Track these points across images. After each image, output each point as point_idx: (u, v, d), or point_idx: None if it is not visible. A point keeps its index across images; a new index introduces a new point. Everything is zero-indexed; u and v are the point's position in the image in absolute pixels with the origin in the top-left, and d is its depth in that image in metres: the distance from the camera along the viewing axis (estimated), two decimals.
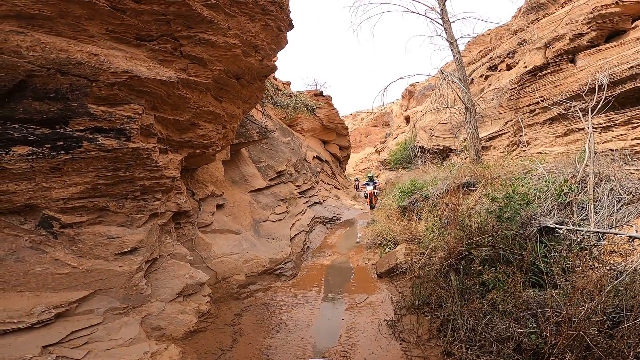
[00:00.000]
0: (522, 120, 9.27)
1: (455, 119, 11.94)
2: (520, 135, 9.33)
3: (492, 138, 10.96)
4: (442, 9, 9.33)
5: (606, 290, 2.44)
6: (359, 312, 4.25)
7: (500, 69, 12.54)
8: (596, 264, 3.05)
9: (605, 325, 2.36)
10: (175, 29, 3.75)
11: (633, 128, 6.50)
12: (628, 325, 2.23)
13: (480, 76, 13.57)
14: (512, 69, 11.80)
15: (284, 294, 5.05)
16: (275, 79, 15.12)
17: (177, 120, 4.24)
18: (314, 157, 15.36)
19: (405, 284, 4.65)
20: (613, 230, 3.31)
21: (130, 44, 3.53)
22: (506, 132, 10.38)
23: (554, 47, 9.18)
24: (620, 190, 3.83)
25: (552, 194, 4.20)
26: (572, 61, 8.53)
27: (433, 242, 4.52)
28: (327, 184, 15.50)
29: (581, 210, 3.91)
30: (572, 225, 3.59)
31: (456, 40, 9.30)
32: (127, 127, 3.26)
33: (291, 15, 5.31)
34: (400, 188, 8.52)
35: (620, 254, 3.11)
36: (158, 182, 3.77)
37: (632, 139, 6.39)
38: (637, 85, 6.41)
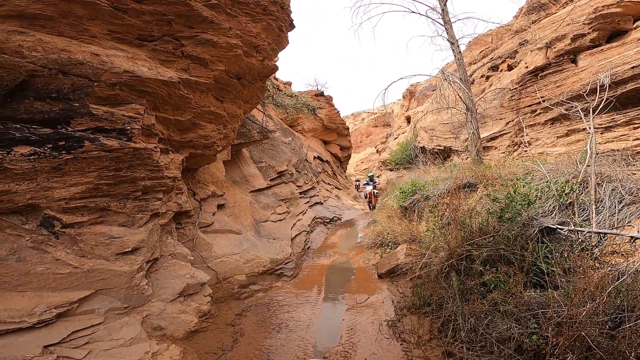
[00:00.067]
0: (523, 121, 9.26)
1: (456, 119, 11.92)
2: (522, 136, 9.32)
3: (493, 138, 10.94)
4: (443, 9, 9.33)
5: (607, 291, 2.44)
6: (360, 313, 4.25)
7: (502, 69, 12.53)
8: (597, 265, 3.04)
9: (607, 326, 2.36)
10: (177, 29, 3.76)
11: (634, 128, 6.49)
12: (629, 325, 2.23)
13: (482, 76, 13.56)
14: (513, 69, 11.79)
15: (285, 294, 5.05)
16: (276, 79, 15.12)
17: (178, 121, 4.25)
18: (314, 157, 15.37)
19: (406, 285, 4.64)
20: (614, 231, 3.30)
21: (131, 44, 3.54)
22: (507, 133, 10.36)
23: (556, 47, 9.17)
24: (622, 191, 3.82)
25: (554, 195, 4.19)
26: (574, 61, 8.52)
27: (434, 243, 4.51)
28: (328, 184, 15.50)
29: (582, 210, 3.91)
30: (574, 225, 3.59)
31: (457, 40, 9.30)
32: (129, 127, 3.27)
33: (292, 16, 5.31)
34: (401, 188, 8.51)
35: (622, 254, 3.11)
36: (159, 182, 3.77)
37: (633, 139, 6.38)
38: (639, 85, 6.40)
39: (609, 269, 2.81)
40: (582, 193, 4.08)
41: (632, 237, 3.08)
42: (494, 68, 13.03)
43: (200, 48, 4.03)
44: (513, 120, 10.00)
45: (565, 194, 4.10)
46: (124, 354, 2.98)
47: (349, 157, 21.51)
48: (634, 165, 4.94)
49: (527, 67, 10.41)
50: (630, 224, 3.42)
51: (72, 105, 2.95)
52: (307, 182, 11.67)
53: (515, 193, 4.20)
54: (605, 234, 3.36)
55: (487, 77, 13.24)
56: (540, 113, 8.95)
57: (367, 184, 12.74)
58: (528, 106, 9.37)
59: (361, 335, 3.71)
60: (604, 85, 6.65)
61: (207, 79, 4.29)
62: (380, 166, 25.85)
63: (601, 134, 6.92)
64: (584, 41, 8.29)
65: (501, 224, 3.79)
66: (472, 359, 2.75)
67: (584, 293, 2.46)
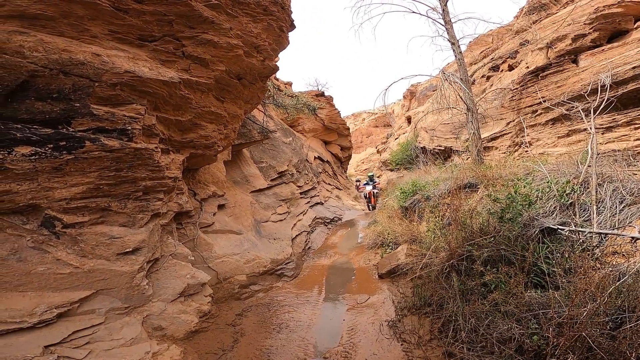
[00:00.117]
0: (524, 121, 9.25)
1: (457, 120, 11.92)
2: (522, 136, 9.31)
3: (494, 138, 10.93)
4: (443, 10, 9.32)
5: (608, 292, 2.43)
6: (360, 313, 4.25)
7: (502, 70, 12.52)
8: (598, 265, 3.04)
9: (608, 327, 2.35)
10: (177, 30, 3.76)
11: (635, 129, 6.48)
12: (630, 326, 2.23)
13: (482, 76, 13.55)
14: (514, 69, 11.78)
15: (285, 294, 5.05)
16: (277, 80, 15.14)
17: (179, 121, 4.25)
18: (315, 158, 15.37)
19: (407, 285, 4.64)
20: (615, 231, 3.30)
21: (132, 45, 3.54)
22: (508, 133, 10.35)
23: (556, 47, 9.16)
24: (623, 191, 3.82)
25: (555, 195, 4.19)
26: (575, 61, 8.51)
27: (434, 243, 4.51)
28: (329, 184, 15.51)
29: (583, 211, 3.90)
30: (575, 226, 3.58)
31: (458, 40, 9.29)
32: (130, 128, 3.27)
33: (293, 16, 5.31)
34: (401, 188, 8.51)
35: (623, 255, 3.10)
36: (160, 182, 3.77)
37: (634, 140, 6.37)
38: None
39: (610, 269, 2.80)
40: (583, 193, 4.08)
41: (633, 237, 3.07)
42: (495, 68, 13.02)
43: (201, 48, 4.04)
44: (514, 121, 9.99)
45: (566, 195, 4.10)
46: (124, 354, 2.98)
47: (349, 157, 21.52)
48: (635, 165, 4.93)
49: (527, 67, 10.40)
50: (631, 224, 3.41)
51: (73, 106, 2.96)
52: (307, 182, 11.67)
53: (516, 193, 4.20)
54: (606, 234, 3.36)
55: (488, 77, 13.23)
56: (541, 113, 8.94)
57: (367, 183, 12.67)
58: (529, 106, 9.36)
59: (362, 336, 3.70)
60: (605, 85, 6.64)
61: (207, 79, 4.29)
62: (381, 166, 25.84)
63: (602, 134, 6.91)
64: (584, 41, 8.28)
65: (502, 224, 3.78)
66: None
67: (584, 293, 2.46)
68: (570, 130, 8.03)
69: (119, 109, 3.25)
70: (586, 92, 7.21)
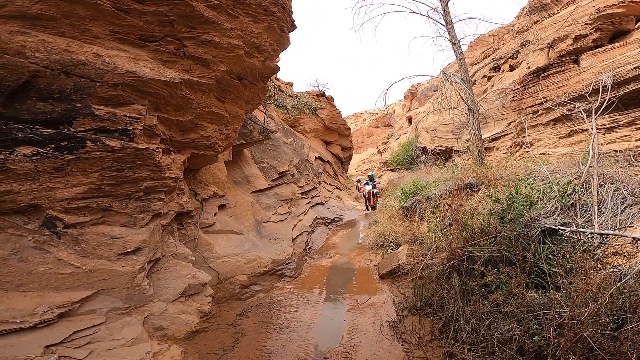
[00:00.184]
0: (525, 121, 9.25)
1: (458, 120, 11.91)
2: (524, 136, 9.30)
3: (495, 139, 10.93)
4: (444, 10, 9.32)
5: (609, 292, 2.43)
6: (361, 313, 4.24)
7: (503, 70, 12.50)
8: (599, 266, 3.03)
9: (609, 327, 2.35)
10: (179, 30, 3.77)
11: (637, 129, 6.47)
12: (631, 326, 2.22)
13: (483, 77, 13.54)
14: (515, 69, 11.77)
15: (286, 294, 5.05)
16: (278, 80, 15.15)
17: (180, 121, 4.25)
18: (316, 158, 15.37)
19: (407, 285, 4.63)
20: (617, 232, 3.29)
21: (133, 45, 3.55)
22: (509, 133, 10.35)
23: (558, 47, 9.15)
24: (624, 192, 3.81)
25: (556, 195, 4.18)
26: (576, 62, 8.50)
27: (435, 244, 4.50)
28: (329, 184, 15.51)
29: (585, 211, 3.89)
30: (576, 226, 3.58)
31: (459, 40, 9.29)
32: (131, 128, 3.28)
33: (293, 16, 5.31)
34: (402, 189, 8.50)
35: (624, 255, 3.09)
36: (161, 182, 3.78)
37: (636, 140, 6.36)
38: None
39: (611, 270, 2.80)
40: (584, 194, 4.07)
41: (634, 238, 3.07)
42: (496, 68, 13.00)
43: (202, 49, 4.04)
44: (515, 121, 9.99)
45: (568, 195, 4.09)
46: (125, 354, 2.99)
47: (350, 157, 21.53)
48: (636, 166, 4.92)
49: (529, 67, 10.39)
50: (632, 225, 3.40)
51: (74, 106, 2.96)
52: (308, 182, 11.67)
53: (517, 194, 4.19)
54: (607, 235, 3.35)
55: (489, 78, 13.21)
56: (542, 113, 8.93)
57: (367, 183, 12.56)
58: (530, 107, 9.35)
59: (362, 336, 3.70)
60: (606, 85, 6.63)
61: (208, 79, 4.30)
62: (382, 167, 25.85)
63: (603, 134, 6.90)
64: (586, 41, 8.27)
65: (503, 224, 3.78)
66: None
67: (586, 294, 2.45)
68: (571, 131, 8.02)
69: (120, 109, 3.26)
70: (587, 92, 7.20)
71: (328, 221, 10.62)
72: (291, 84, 17.10)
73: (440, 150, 14.90)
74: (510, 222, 3.75)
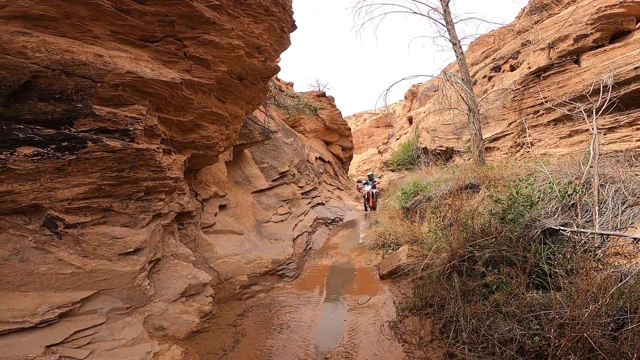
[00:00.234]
0: (525, 122, 9.24)
1: (459, 120, 11.91)
2: (524, 137, 9.30)
3: (495, 139, 10.93)
4: (445, 10, 9.32)
5: (610, 292, 2.43)
6: (362, 313, 4.24)
7: (504, 70, 12.50)
8: (600, 266, 3.03)
9: (609, 327, 2.35)
10: (179, 30, 3.77)
11: (638, 129, 6.47)
12: (632, 327, 2.22)
13: (484, 77, 13.54)
14: (515, 69, 11.77)
15: (287, 294, 5.05)
16: (278, 80, 15.15)
17: (180, 121, 4.26)
18: (316, 158, 15.38)
19: (408, 286, 4.63)
20: (617, 232, 3.29)
21: (134, 45, 3.55)
22: (510, 133, 10.34)
23: (558, 47, 9.15)
24: (625, 192, 3.81)
25: (556, 196, 4.18)
26: (577, 62, 8.50)
27: (436, 244, 4.50)
28: (330, 184, 15.51)
29: (585, 212, 3.89)
30: (576, 227, 3.58)
31: (459, 41, 9.29)
32: (131, 128, 3.28)
33: (294, 16, 5.32)
34: (403, 189, 8.50)
35: (625, 256, 3.09)
36: (162, 182, 3.78)
37: (636, 140, 6.36)
38: None
39: (612, 270, 2.80)
40: (585, 194, 4.07)
41: (635, 238, 3.06)
42: (497, 69, 13.01)
43: (203, 49, 4.05)
44: (516, 121, 9.98)
45: (568, 195, 4.09)
46: (125, 354, 2.99)
47: (350, 157, 21.53)
48: (637, 166, 4.92)
49: (529, 67, 10.39)
50: (633, 225, 3.40)
51: (75, 106, 2.97)
52: (308, 182, 11.67)
53: (517, 194, 4.19)
54: (608, 235, 3.35)
55: (490, 78, 13.21)
56: (543, 114, 8.93)
57: (366, 183, 12.43)
58: (531, 107, 9.35)
59: (363, 336, 3.70)
60: (607, 85, 6.63)
61: (209, 79, 4.30)
62: (382, 167, 25.86)
63: (604, 134, 6.90)
64: (586, 42, 8.27)
65: (503, 225, 3.78)
66: None
67: (586, 294, 2.45)
68: (572, 131, 8.02)
69: (121, 109, 3.26)
70: (588, 92, 7.20)
71: (328, 221, 10.62)
72: (292, 84, 17.11)
73: (440, 150, 14.90)
74: (511, 223, 3.75)
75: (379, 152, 30.98)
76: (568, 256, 3.22)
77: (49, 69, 2.79)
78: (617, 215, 3.61)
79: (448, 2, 9.36)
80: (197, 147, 4.78)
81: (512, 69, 12.02)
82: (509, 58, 12.33)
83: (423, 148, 16.41)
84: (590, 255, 3.14)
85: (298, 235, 7.85)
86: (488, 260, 3.50)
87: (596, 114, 5.82)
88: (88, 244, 3.28)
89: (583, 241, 3.40)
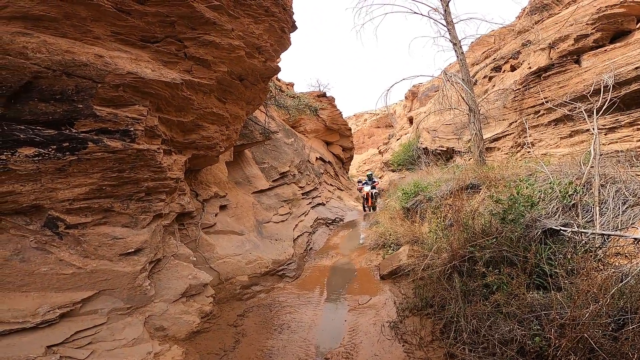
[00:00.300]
0: (526, 122, 9.23)
1: (459, 120, 11.89)
2: (525, 137, 9.29)
3: (496, 139, 10.92)
4: (445, 10, 9.32)
5: (611, 293, 2.43)
6: (362, 314, 4.24)
7: (504, 70, 12.50)
8: (601, 266, 3.02)
9: (610, 328, 2.35)
10: (180, 31, 3.78)
11: (638, 129, 6.46)
12: (633, 327, 2.22)
13: (484, 77, 13.53)
14: (516, 70, 11.76)
15: (287, 295, 5.05)
16: (279, 80, 15.16)
17: (181, 122, 4.26)
18: (317, 158, 15.38)
19: (408, 286, 4.63)
20: (618, 233, 3.28)
21: (135, 46, 3.56)
22: (510, 134, 10.34)
23: (559, 47, 9.14)
24: (626, 192, 3.80)
25: (557, 196, 4.18)
26: (577, 62, 8.49)
27: (436, 244, 4.50)
28: (330, 185, 15.51)
29: (586, 212, 3.89)
30: (577, 227, 3.57)
31: (460, 41, 9.28)
32: (132, 129, 3.28)
33: (294, 17, 5.32)
34: (403, 189, 8.50)
35: (626, 256, 3.09)
36: (162, 183, 3.78)
37: (637, 141, 6.35)
38: None
39: (613, 270, 2.79)
40: (585, 194, 4.06)
41: (635, 238, 3.06)
42: (497, 69, 13.00)
43: (203, 49, 4.05)
44: (516, 121, 9.98)
45: (569, 196, 4.08)
46: (126, 354, 2.99)
47: (351, 158, 21.52)
48: (638, 166, 4.91)
49: (530, 67, 10.39)
50: (634, 225, 3.40)
51: (76, 107, 2.97)
52: (309, 183, 11.67)
53: (518, 194, 4.18)
54: (608, 235, 3.34)
55: (490, 78, 13.21)
56: (543, 114, 8.92)
57: (366, 183, 12.29)
58: (531, 107, 9.34)
59: (363, 337, 3.70)
60: (607, 85, 6.62)
61: (209, 80, 4.30)
62: (383, 167, 25.85)
63: (605, 134, 6.89)
64: (587, 42, 8.27)
65: (504, 225, 3.77)
66: None
67: (587, 295, 2.45)
68: (572, 131, 8.01)
69: (122, 110, 3.27)
70: (589, 92, 7.20)
71: (329, 222, 10.62)
72: (292, 85, 17.13)
73: (441, 150, 14.89)
74: (512, 223, 3.74)
75: (380, 153, 30.98)
76: (569, 256, 3.22)
77: (50, 70, 2.80)
78: (618, 215, 3.61)
79: (448, 2, 9.36)
80: (197, 147, 4.78)
81: (513, 69, 12.02)
82: (510, 58, 12.33)
83: (423, 148, 16.41)
84: (591, 256, 3.13)
85: (298, 236, 7.85)
86: (489, 261, 3.50)
87: (597, 114, 5.81)
88: (89, 244, 3.28)
89: (584, 241, 3.40)
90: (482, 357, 2.70)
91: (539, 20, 10.77)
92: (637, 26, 7.57)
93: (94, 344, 2.96)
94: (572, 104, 7.48)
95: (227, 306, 4.50)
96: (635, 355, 2.09)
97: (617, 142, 6.62)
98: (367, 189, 11.98)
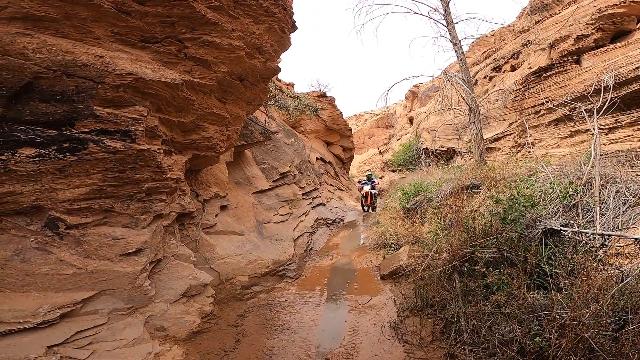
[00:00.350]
0: (526, 122, 9.23)
1: (459, 120, 11.91)
2: (525, 137, 9.29)
3: (496, 139, 10.92)
4: (445, 10, 9.32)
5: (611, 293, 2.42)
6: (362, 314, 4.24)
7: (505, 70, 12.49)
8: (601, 267, 3.02)
9: (610, 328, 2.35)
10: (180, 31, 3.78)
11: (639, 129, 6.45)
12: (633, 327, 2.22)
13: (485, 77, 13.53)
14: (516, 70, 11.76)
15: (287, 295, 5.05)
16: (279, 81, 15.17)
17: (181, 122, 4.27)
18: (317, 159, 15.38)
19: (409, 286, 4.63)
20: (619, 233, 3.28)
21: (135, 46, 3.56)
22: (511, 134, 10.33)
23: (559, 47, 9.14)
24: (626, 192, 3.80)
25: (557, 196, 4.17)
26: (577, 62, 8.49)
27: (437, 244, 4.50)
28: (331, 185, 15.51)
29: (586, 212, 3.89)
30: (577, 227, 3.57)
31: (460, 41, 9.29)
32: (132, 129, 3.29)
33: (294, 17, 5.32)
34: (403, 189, 8.50)
35: (626, 256, 3.09)
36: (162, 183, 3.79)
37: (637, 141, 6.35)
38: None
39: (613, 270, 2.79)
40: (586, 194, 4.06)
41: (636, 239, 3.06)
42: (497, 69, 13.00)
43: (203, 50, 4.05)
44: (516, 121, 9.97)
45: (569, 196, 4.08)
46: (127, 354, 2.99)
47: (351, 158, 21.52)
48: (638, 166, 4.91)
49: (530, 67, 10.39)
50: (634, 225, 3.40)
51: (76, 107, 2.97)
52: (309, 183, 11.67)
53: (518, 194, 4.18)
54: (609, 235, 3.34)
55: (490, 78, 13.20)
56: (544, 114, 8.92)
57: (365, 183, 12.18)
58: (532, 107, 9.34)
59: (363, 337, 3.70)
60: (608, 85, 6.62)
61: (209, 80, 4.31)
62: (383, 167, 25.86)
63: (605, 135, 6.89)
64: (587, 42, 8.27)
65: (504, 225, 3.77)
66: None
67: (587, 295, 2.45)
68: (573, 131, 8.01)
69: (122, 110, 3.27)
70: (589, 92, 7.19)
71: (329, 222, 10.61)
72: (292, 85, 17.13)
73: (441, 150, 14.89)
74: (512, 223, 3.74)
75: (380, 153, 30.98)
76: (569, 257, 3.21)
77: (50, 70, 2.80)
78: (618, 215, 3.61)
79: (448, 2, 9.36)
80: (197, 147, 4.79)
81: (513, 69, 12.02)
82: (510, 58, 12.32)
83: (424, 148, 16.41)
84: (592, 256, 3.13)
85: (299, 236, 7.85)
86: (489, 261, 3.50)
87: (597, 114, 5.81)
88: (89, 244, 3.29)
89: (584, 242, 3.40)
90: (483, 358, 2.70)
91: (539, 20, 10.76)
92: (637, 26, 7.57)
93: (95, 344, 2.96)
94: (572, 104, 7.48)
95: (228, 306, 4.50)
96: (636, 356, 2.09)
97: (617, 142, 6.62)
98: (367, 188, 11.95)
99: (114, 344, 3.03)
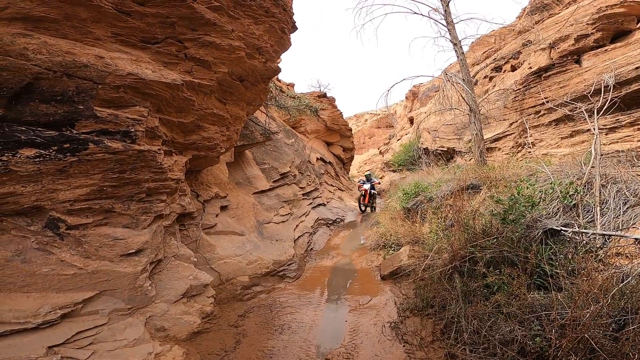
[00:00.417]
0: (527, 122, 9.23)
1: (460, 120, 11.90)
2: (525, 137, 9.29)
3: (496, 139, 10.91)
4: (445, 10, 9.32)
5: (612, 293, 2.42)
6: (363, 314, 4.24)
7: (505, 70, 12.49)
8: (602, 267, 3.02)
9: (611, 328, 2.35)
10: (180, 32, 3.78)
11: (639, 129, 6.45)
12: (633, 328, 2.22)
13: (485, 77, 13.53)
14: (516, 70, 11.76)
15: (288, 295, 5.06)
16: (279, 81, 15.17)
17: (181, 123, 4.27)
18: (317, 159, 15.38)
19: (409, 286, 4.63)
20: (619, 233, 3.28)
21: (135, 47, 3.57)
22: (511, 134, 10.33)
23: (559, 47, 9.14)
24: (627, 192, 3.80)
25: (558, 196, 4.17)
26: (578, 62, 8.49)
27: (437, 244, 4.50)
28: (331, 185, 15.50)
29: (587, 212, 3.89)
30: (578, 227, 3.57)
31: (460, 41, 9.29)
32: (133, 130, 3.29)
33: (294, 17, 5.33)
34: (404, 190, 8.50)
35: (626, 256, 3.09)
36: (163, 184, 3.79)
37: (638, 141, 6.35)
38: None
39: (613, 271, 2.79)
40: (586, 194, 4.06)
41: (636, 239, 3.06)
42: (497, 69, 13.00)
43: (203, 50, 4.06)
44: (517, 121, 9.97)
45: (570, 196, 4.08)
46: (127, 354, 2.99)
47: (352, 158, 21.51)
48: (639, 166, 4.91)
49: (530, 67, 10.39)
50: (635, 225, 3.40)
51: (76, 108, 2.98)
52: (310, 183, 11.67)
53: (519, 195, 4.18)
54: (609, 235, 3.34)
55: (491, 78, 13.20)
56: (544, 114, 8.92)
57: (365, 182, 12.12)
58: (532, 107, 9.34)
59: (364, 337, 3.70)
60: (608, 85, 6.62)
61: (210, 81, 4.31)
62: (384, 167, 25.86)
63: (606, 134, 6.89)
64: (587, 42, 8.27)
65: (505, 225, 3.77)
66: None
67: (587, 295, 2.45)
68: (573, 131, 8.00)
69: (122, 111, 3.27)
70: (589, 92, 7.19)
71: (330, 222, 10.61)
72: (292, 85, 17.13)
73: (442, 150, 14.89)
74: (512, 223, 3.74)
75: (380, 153, 30.98)
76: (569, 257, 3.21)
77: (50, 71, 2.81)
78: (619, 215, 3.61)
79: (448, 2, 9.36)
80: (198, 148, 4.79)
81: (513, 69, 12.02)
82: (510, 58, 12.33)
83: (424, 148, 16.42)
84: (592, 256, 3.13)
85: (299, 236, 7.85)
86: (489, 261, 3.50)
87: (597, 114, 5.81)
88: (90, 245, 3.29)
89: (584, 242, 3.40)
90: (483, 358, 2.70)
91: (539, 20, 10.76)
92: (638, 26, 7.57)
93: (95, 345, 2.97)
94: (572, 104, 7.48)
95: (228, 307, 4.51)
96: (636, 356, 2.09)
97: (617, 142, 6.62)
98: (366, 186, 11.94)
99: (114, 344, 3.04)
